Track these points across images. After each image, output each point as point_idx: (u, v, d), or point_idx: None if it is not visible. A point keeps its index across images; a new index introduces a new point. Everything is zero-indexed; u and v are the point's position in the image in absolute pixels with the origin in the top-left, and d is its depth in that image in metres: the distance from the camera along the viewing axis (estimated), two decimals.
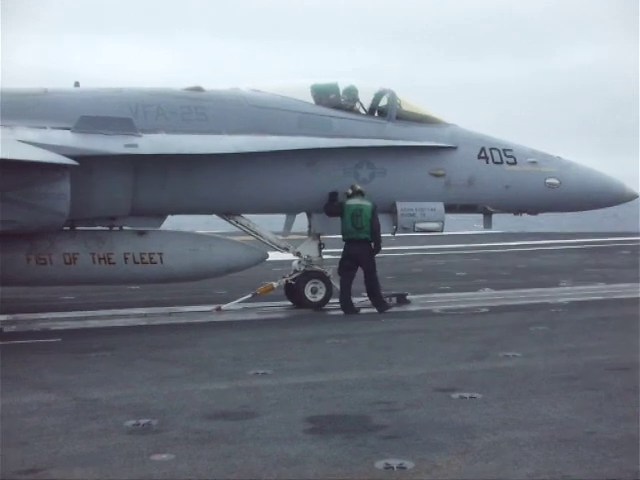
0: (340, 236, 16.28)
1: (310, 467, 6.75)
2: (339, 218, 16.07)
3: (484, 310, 15.98)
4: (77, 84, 16.34)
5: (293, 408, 8.59)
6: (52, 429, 7.88)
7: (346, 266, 16.08)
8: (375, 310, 16.02)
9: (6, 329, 14.32)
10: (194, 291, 18.63)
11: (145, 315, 15.96)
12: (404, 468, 6.66)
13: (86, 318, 15.52)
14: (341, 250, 16.29)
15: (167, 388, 9.58)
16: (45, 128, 14.57)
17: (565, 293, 18.51)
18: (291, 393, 9.26)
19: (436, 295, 18.27)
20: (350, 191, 16.08)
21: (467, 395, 8.96)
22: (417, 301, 17.15)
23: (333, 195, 16.26)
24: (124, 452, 7.16)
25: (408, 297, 17.12)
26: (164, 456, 7.03)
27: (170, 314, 16.12)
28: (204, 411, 8.48)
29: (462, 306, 16.46)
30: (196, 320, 15.40)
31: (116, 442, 7.46)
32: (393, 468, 6.67)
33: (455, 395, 8.99)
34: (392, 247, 29.67)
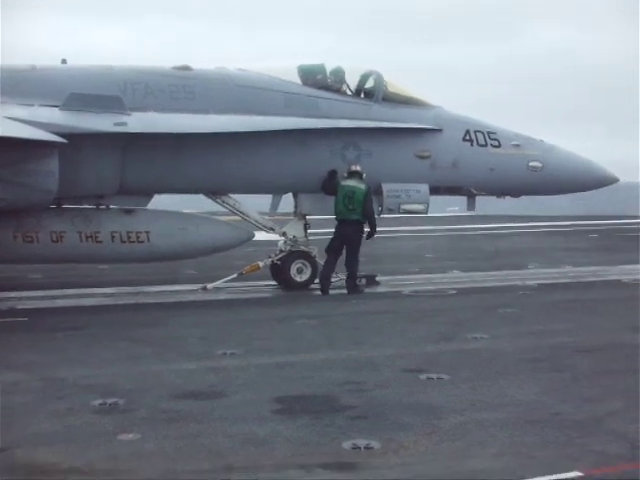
0: (327, 217, 16.36)
1: (278, 447, 6.77)
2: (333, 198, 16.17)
3: (452, 292, 16.05)
4: (64, 61, 16.23)
5: (261, 388, 8.60)
6: (18, 408, 7.85)
7: (334, 247, 16.16)
8: (343, 291, 16.06)
9: None
10: (163, 271, 18.53)
11: (113, 294, 15.88)
12: (371, 448, 6.69)
13: (53, 297, 15.42)
14: (326, 230, 16.29)
15: (135, 368, 9.56)
16: (33, 105, 14.47)
17: (533, 275, 18.61)
18: (260, 373, 9.27)
19: (405, 277, 18.31)
20: (346, 174, 16.10)
21: (435, 376, 9.01)
22: (386, 282, 17.18)
23: (332, 174, 16.26)
24: (90, 431, 7.14)
25: (377, 279, 17.14)
26: (130, 435, 7.01)
27: (138, 293, 16.05)
28: (172, 391, 8.46)
29: (431, 288, 16.53)
30: (165, 300, 15.34)
31: (82, 421, 7.44)
32: (360, 448, 6.70)
33: (423, 376, 9.03)
34: None
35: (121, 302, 15.07)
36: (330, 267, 16.12)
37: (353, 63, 17.60)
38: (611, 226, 36.68)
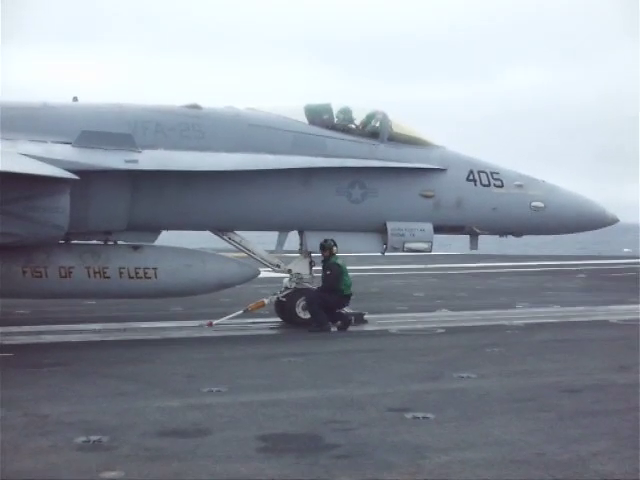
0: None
1: None
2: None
3: (440, 331, 16.05)
4: (75, 99, 16.43)
5: (246, 426, 8.55)
6: (1, 445, 7.76)
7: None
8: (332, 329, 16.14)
9: None
10: (150, 307, 18.51)
11: (99, 330, 15.84)
12: None
13: (40, 333, 15.34)
14: None
15: (119, 405, 9.50)
16: (46, 142, 14.65)
17: (521, 315, 18.64)
18: (244, 411, 9.22)
19: (393, 315, 18.34)
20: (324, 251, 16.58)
21: (420, 415, 8.98)
22: (374, 321, 17.18)
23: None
24: (73, 469, 7.08)
25: (365, 317, 17.15)
26: (114, 473, 6.96)
27: (125, 330, 16.01)
28: (156, 428, 8.41)
29: (419, 326, 16.53)
30: (151, 336, 15.31)
31: (65, 459, 7.38)
32: None
33: (409, 415, 9.00)
34: (351, 267, 29.66)
35: (108, 338, 15.03)
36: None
37: (359, 103, 17.86)
38: (598, 267, 36.84)
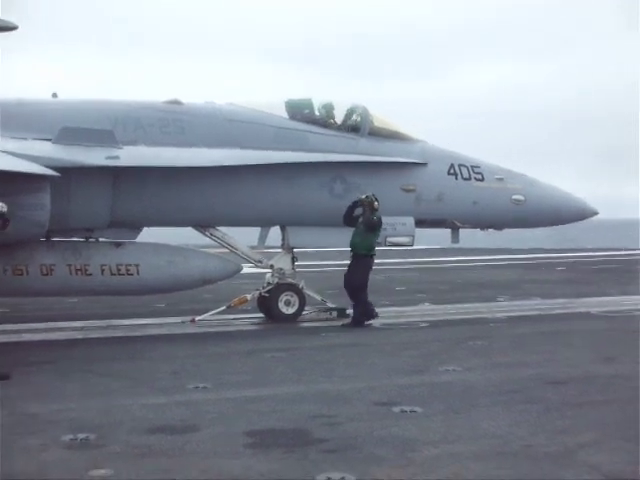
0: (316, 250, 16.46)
1: None
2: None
3: (423, 325, 16.10)
4: (55, 95, 16.29)
5: (233, 422, 8.53)
6: None
7: None
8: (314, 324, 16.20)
9: None
10: (132, 304, 18.45)
11: (82, 328, 15.76)
12: None
13: (20, 331, 15.24)
14: (313, 263, 16.29)
15: (105, 402, 9.46)
16: (26, 139, 14.55)
17: (503, 308, 18.73)
18: (231, 407, 9.20)
19: (376, 309, 18.29)
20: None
21: (408, 409, 8.99)
22: None
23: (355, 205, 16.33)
24: (62, 467, 7.04)
25: (348, 311, 17.15)
26: (102, 471, 6.92)
27: (107, 327, 15.95)
28: (143, 425, 8.38)
29: (402, 320, 16.57)
30: (134, 333, 15.24)
31: (54, 457, 7.34)
32: None
33: (396, 409, 9.02)
34: (332, 261, 29.70)
35: (90, 336, 14.95)
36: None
37: (339, 98, 17.83)
38: (577, 259, 37.07)
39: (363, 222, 16.04)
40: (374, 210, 16.01)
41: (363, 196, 16.08)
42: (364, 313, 16.03)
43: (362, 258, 16.16)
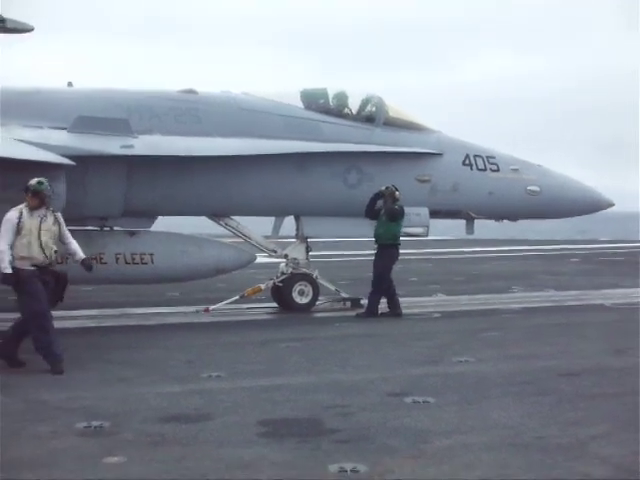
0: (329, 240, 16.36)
1: (263, 471, 6.75)
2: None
3: (437, 315, 16.10)
4: (70, 84, 16.38)
5: (247, 411, 8.57)
6: (0, 431, 7.76)
7: None
8: (328, 314, 16.18)
9: None
10: (145, 293, 18.51)
11: (96, 316, 15.82)
12: (357, 472, 6.68)
13: None
14: (328, 253, 16.19)
15: (119, 390, 9.53)
16: (42, 128, 14.57)
17: (517, 299, 18.69)
18: (245, 396, 9.24)
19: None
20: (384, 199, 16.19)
21: (420, 399, 9.02)
22: None
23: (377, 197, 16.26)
24: (75, 455, 7.09)
25: (362, 302, 17.16)
26: (116, 459, 6.97)
27: (121, 316, 16.01)
28: (157, 414, 8.42)
29: (415, 311, 16.54)
30: (148, 322, 15.29)
31: (67, 444, 7.39)
32: (347, 471, 6.69)
33: (408, 399, 9.04)
34: (347, 251, 29.71)
35: (104, 324, 15.00)
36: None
37: (354, 87, 17.74)
38: (591, 251, 36.94)
39: (385, 212, 16.03)
40: (395, 200, 16.00)
41: (383, 187, 16.08)
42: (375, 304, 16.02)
43: (387, 248, 16.15)
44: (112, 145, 14.71)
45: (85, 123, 14.82)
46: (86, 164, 14.30)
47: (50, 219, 10.95)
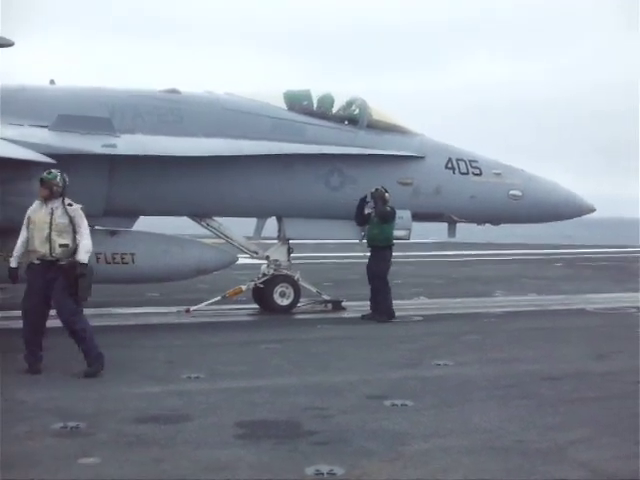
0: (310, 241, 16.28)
1: (240, 472, 6.71)
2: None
3: (418, 318, 16.08)
4: (52, 82, 16.23)
5: (225, 413, 8.52)
6: None
7: None
8: (310, 316, 16.14)
9: None
10: (126, 293, 18.41)
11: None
12: (334, 474, 6.65)
13: (11, 318, 15.17)
14: (309, 254, 16.13)
15: (97, 391, 9.44)
16: (23, 126, 14.45)
17: (498, 303, 18.72)
18: (223, 398, 9.19)
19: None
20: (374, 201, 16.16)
21: (399, 402, 8.99)
22: (352, 308, 17.12)
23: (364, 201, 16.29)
24: (50, 455, 7.03)
25: (343, 304, 17.16)
26: (91, 459, 6.91)
27: (101, 316, 15.88)
28: (135, 415, 8.36)
29: (397, 314, 16.49)
30: (128, 322, 15.22)
31: (43, 444, 7.33)
32: (323, 474, 6.65)
33: (387, 402, 9.01)
34: (330, 253, 29.69)
35: None
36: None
37: (338, 89, 17.73)
38: (574, 255, 37.06)
39: (376, 215, 16.01)
40: (385, 202, 15.99)
41: (373, 189, 16.07)
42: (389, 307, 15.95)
43: (380, 250, 16.12)
44: (94, 144, 14.62)
45: (67, 121, 14.72)
46: (67, 163, 14.20)
47: (59, 211, 10.59)
